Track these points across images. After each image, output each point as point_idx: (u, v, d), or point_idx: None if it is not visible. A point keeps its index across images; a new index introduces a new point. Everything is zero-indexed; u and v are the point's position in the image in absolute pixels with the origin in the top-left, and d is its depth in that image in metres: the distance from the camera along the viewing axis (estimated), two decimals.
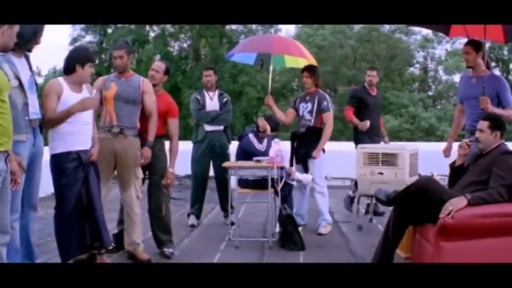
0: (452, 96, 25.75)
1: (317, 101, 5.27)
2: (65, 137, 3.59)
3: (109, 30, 26.96)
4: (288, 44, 5.73)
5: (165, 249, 4.36)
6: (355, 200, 5.55)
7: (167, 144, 4.55)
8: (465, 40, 4.57)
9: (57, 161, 3.60)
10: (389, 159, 5.08)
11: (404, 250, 3.95)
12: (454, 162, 3.96)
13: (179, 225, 5.34)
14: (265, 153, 5.05)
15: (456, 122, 4.77)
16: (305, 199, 5.45)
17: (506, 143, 3.71)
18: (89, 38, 27.46)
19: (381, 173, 5.07)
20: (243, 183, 5.05)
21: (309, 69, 5.40)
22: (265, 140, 5.32)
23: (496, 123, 3.70)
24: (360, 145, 5.42)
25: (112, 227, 4.54)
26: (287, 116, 5.53)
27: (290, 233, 4.62)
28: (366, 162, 5.16)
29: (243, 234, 4.87)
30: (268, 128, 5.31)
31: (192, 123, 6.43)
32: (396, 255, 3.73)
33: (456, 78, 24.88)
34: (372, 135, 5.95)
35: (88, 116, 3.71)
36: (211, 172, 5.70)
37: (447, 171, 4.05)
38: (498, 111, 4.13)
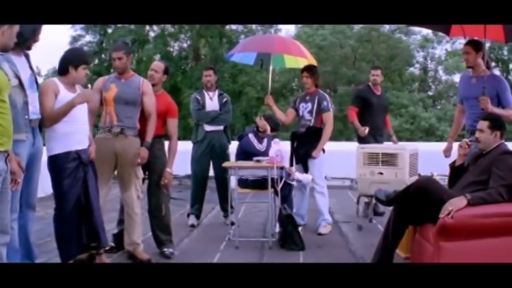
0: (452, 96, 25.78)
1: (317, 101, 5.27)
2: (63, 137, 3.57)
3: (109, 30, 27.01)
4: (288, 44, 5.73)
5: (165, 249, 4.36)
6: (371, 201, 5.52)
7: (167, 144, 4.55)
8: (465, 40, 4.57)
9: (57, 161, 3.58)
10: (389, 159, 5.08)
11: (404, 250, 3.95)
12: (454, 162, 3.96)
13: (179, 225, 5.34)
14: (265, 153, 5.05)
15: (456, 122, 4.78)
16: (305, 199, 5.45)
17: (506, 143, 3.71)
18: (89, 38, 27.56)
19: (381, 173, 5.08)
20: (243, 183, 5.05)
21: (309, 69, 5.39)
22: (265, 140, 5.32)
23: (496, 123, 3.70)
24: (360, 145, 5.42)
25: (112, 227, 4.54)
26: (287, 116, 5.52)
27: (290, 233, 4.62)
28: (366, 162, 5.17)
29: (243, 234, 4.87)
30: (268, 128, 5.31)
31: (192, 123, 6.43)
32: (396, 255, 3.73)
33: (456, 78, 24.92)
34: (376, 136, 5.95)
35: (84, 115, 3.70)
36: (211, 172, 5.70)
37: (447, 171, 4.05)
38: (498, 111, 4.13)
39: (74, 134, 3.61)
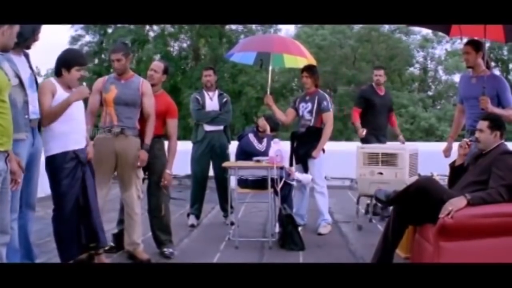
0: (452, 96, 25.78)
1: (317, 101, 5.27)
2: (60, 137, 3.56)
3: (109, 30, 26.99)
4: (288, 44, 5.73)
5: (165, 249, 4.36)
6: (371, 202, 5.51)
7: (166, 144, 4.55)
8: (465, 40, 4.56)
9: (55, 162, 3.57)
10: (389, 159, 5.08)
11: (404, 250, 3.95)
12: (454, 162, 3.96)
13: (179, 225, 5.34)
14: (265, 153, 5.05)
15: (456, 122, 4.78)
16: (305, 199, 5.44)
17: (506, 143, 3.71)
18: (89, 38, 27.54)
19: (381, 173, 5.08)
20: (243, 183, 5.05)
21: (309, 69, 5.39)
22: (265, 140, 5.32)
23: (496, 123, 3.70)
24: (360, 145, 5.42)
25: (112, 227, 4.54)
26: (287, 116, 5.52)
27: (290, 233, 4.62)
28: (366, 162, 5.17)
29: (243, 234, 4.87)
30: (268, 128, 5.31)
31: (191, 123, 6.43)
32: (396, 255, 3.73)
33: (456, 78, 24.92)
34: (379, 136, 5.95)
35: (81, 114, 3.70)
36: (211, 172, 5.70)
37: (447, 171, 4.05)
38: (498, 111, 4.13)
39: (72, 134, 3.61)
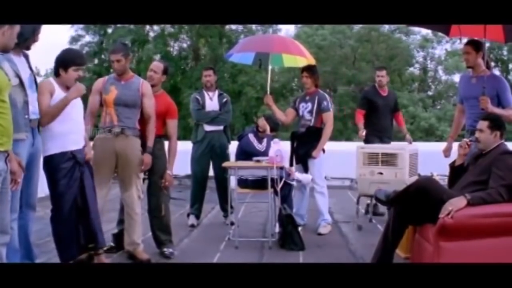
0: (452, 96, 25.80)
1: (317, 101, 5.27)
2: (58, 137, 3.56)
3: (109, 30, 27.02)
4: (288, 44, 5.71)
5: (165, 249, 4.36)
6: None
7: (167, 144, 4.55)
8: (465, 40, 4.56)
9: (53, 162, 3.57)
10: (389, 159, 5.08)
11: (404, 250, 3.95)
12: (454, 162, 3.96)
13: (179, 225, 5.34)
14: (265, 153, 5.05)
15: (456, 122, 4.77)
16: (305, 199, 5.44)
17: (506, 143, 3.71)
18: (88, 38, 27.58)
19: (381, 173, 5.08)
20: (243, 183, 5.05)
21: (309, 69, 5.39)
22: (265, 140, 5.32)
23: (496, 123, 3.70)
24: (360, 145, 5.42)
25: (112, 227, 4.54)
26: (287, 116, 5.52)
27: (289, 233, 4.62)
28: (366, 162, 5.17)
29: (243, 234, 4.87)
30: (268, 128, 5.31)
31: (191, 123, 6.43)
32: (396, 255, 3.73)
33: (456, 78, 24.94)
34: (383, 138, 5.94)
35: (79, 114, 3.70)
36: (211, 172, 5.70)
37: (447, 171, 4.05)
38: (498, 111, 4.13)
39: (70, 134, 3.61)
